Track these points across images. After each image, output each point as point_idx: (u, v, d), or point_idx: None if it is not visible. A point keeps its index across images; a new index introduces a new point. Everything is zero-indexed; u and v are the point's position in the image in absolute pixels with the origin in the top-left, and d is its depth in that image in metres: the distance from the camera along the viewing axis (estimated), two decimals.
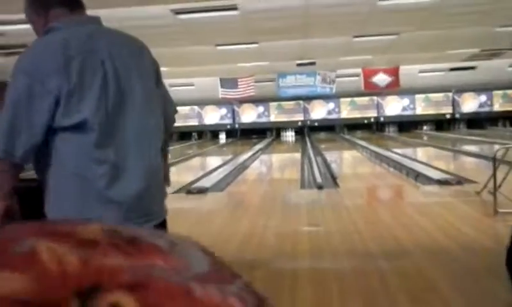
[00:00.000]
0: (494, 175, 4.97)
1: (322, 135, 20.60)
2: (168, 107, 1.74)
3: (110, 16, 9.23)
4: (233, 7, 8.27)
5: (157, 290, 0.31)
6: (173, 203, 6.96)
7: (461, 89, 20.05)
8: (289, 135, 21.00)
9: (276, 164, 12.90)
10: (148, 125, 1.55)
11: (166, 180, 1.86)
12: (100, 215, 1.43)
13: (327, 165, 9.76)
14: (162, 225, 1.66)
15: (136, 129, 1.51)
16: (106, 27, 1.63)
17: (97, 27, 1.61)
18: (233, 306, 0.36)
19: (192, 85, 18.90)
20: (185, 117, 21.34)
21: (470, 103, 20.42)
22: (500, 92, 20.09)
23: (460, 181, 6.71)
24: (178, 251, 0.40)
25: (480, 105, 20.37)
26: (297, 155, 12.58)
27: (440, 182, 6.70)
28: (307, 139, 17.76)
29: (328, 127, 21.06)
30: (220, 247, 4.16)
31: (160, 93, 1.67)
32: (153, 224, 1.57)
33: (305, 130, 20.52)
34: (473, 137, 15.57)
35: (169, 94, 1.78)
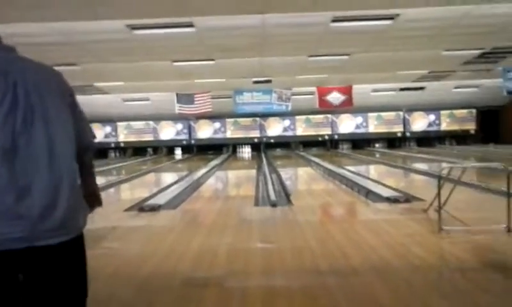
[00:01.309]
0: (439, 193, 5.16)
1: (278, 151, 20.82)
2: (83, 133, 1.80)
3: (65, 30, 9.05)
4: (189, 25, 8.30)
5: None
6: (125, 221, 6.84)
7: (411, 109, 20.80)
8: (245, 151, 21.10)
9: (232, 180, 12.90)
10: (58, 144, 1.59)
11: (97, 199, 1.96)
12: (8, 231, 1.47)
13: (281, 183, 9.86)
14: (78, 240, 1.67)
15: (45, 148, 1.56)
16: (19, 55, 1.68)
17: (9, 54, 1.65)
18: None
19: (148, 100, 18.71)
20: (140, 132, 21.08)
21: (419, 122, 21.21)
22: (447, 112, 20.98)
23: (408, 199, 6.93)
24: None
25: (429, 124, 21.20)
26: (253, 172, 12.64)
27: (389, 200, 6.90)
28: (263, 156, 17.88)
29: (284, 144, 21.33)
30: (172, 265, 4.12)
31: (73, 117, 1.71)
32: (66, 239, 1.60)
33: (261, 147, 20.69)
34: (422, 155, 16.14)
35: (86, 120, 1.84)
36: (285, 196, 7.99)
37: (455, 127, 21.06)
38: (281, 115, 20.13)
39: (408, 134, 21.23)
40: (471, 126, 21.06)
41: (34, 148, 1.54)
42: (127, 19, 7.88)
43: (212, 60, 11.53)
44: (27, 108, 1.53)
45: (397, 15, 8.25)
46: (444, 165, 6.48)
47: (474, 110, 20.90)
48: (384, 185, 8.63)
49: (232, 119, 20.76)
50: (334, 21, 8.44)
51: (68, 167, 1.63)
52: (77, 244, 1.68)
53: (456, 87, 18.47)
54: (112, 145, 21.15)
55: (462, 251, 4.29)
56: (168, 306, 3.21)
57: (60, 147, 1.60)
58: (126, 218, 6.47)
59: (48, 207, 1.54)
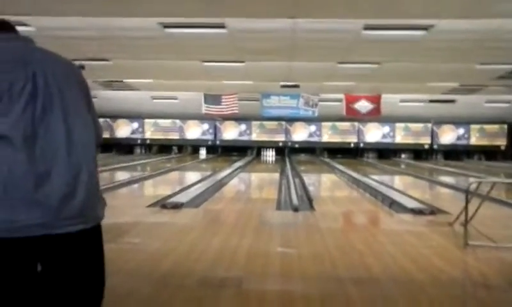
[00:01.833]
0: (466, 208, 5.05)
1: (302, 156, 20.73)
2: (97, 126, 1.82)
3: (99, 25, 9.24)
4: (221, 26, 8.34)
5: None
6: (147, 217, 6.91)
7: (440, 121, 20.45)
8: (269, 155, 21.08)
9: (255, 182, 12.90)
10: (77, 133, 1.62)
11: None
12: (26, 217, 1.48)
13: (304, 188, 9.80)
14: (96, 230, 1.69)
15: (64, 137, 1.58)
16: (37, 46, 1.71)
17: (28, 45, 1.69)
18: None
19: (176, 98, 18.88)
20: (166, 130, 21.28)
21: (447, 135, 20.82)
22: (477, 126, 20.55)
23: (433, 211, 6.80)
24: None
25: (458, 138, 20.79)
26: (276, 175, 12.61)
27: (414, 211, 6.78)
28: (287, 160, 17.83)
29: (309, 149, 21.23)
30: (191, 263, 4.13)
31: (90, 110, 1.75)
32: (85, 227, 1.61)
33: (286, 151, 20.63)
34: (449, 168, 15.84)
35: (97, 115, 1.86)
36: (308, 201, 7.94)
37: (485, 142, 20.60)
38: (308, 120, 20.05)
39: (435, 146, 20.87)
40: (501, 142, 20.57)
41: (53, 136, 1.56)
42: (159, 17, 7.97)
43: (242, 62, 11.56)
44: (46, 97, 1.56)
45: (432, 25, 8.11)
46: (472, 179, 6.35)
47: (505, 126, 20.42)
48: (409, 196, 8.49)
49: (258, 122, 20.77)
50: (366, 29, 8.36)
51: (88, 156, 1.64)
52: (96, 234, 1.69)
53: (487, 102, 18.08)
54: (139, 141, 21.41)
55: (488, 268, 4.18)
56: (186, 304, 3.22)
57: (79, 136, 1.62)
58: (148, 214, 6.54)
59: (67, 195, 1.55)
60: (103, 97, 17.92)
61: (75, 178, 1.58)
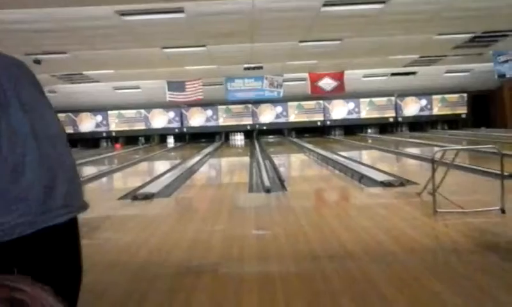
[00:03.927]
0: (433, 176, 5.16)
1: (270, 138, 20.79)
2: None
3: (53, 16, 8.90)
4: (179, 10, 8.19)
5: None
6: (119, 210, 6.78)
7: (403, 94, 20.81)
8: (238, 139, 21.04)
9: (225, 168, 12.87)
10: (42, 126, 1.57)
11: None
12: (8, 213, 1.43)
13: (275, 169, 9.84)
14: (75, 220, 1.65)
15: (29, 130, 1.52)
16: None
17: None
18: None
19: (139, 88, 18.55)
20: (131, 121, 20.93)
21: (411, 107, 21.23)
22: (439, 96, 21.02)
23: (402, 182, 6.94)
24: None
25: (421, 109, 21.22)
26: (246, 159, 12.61)
27: (384, 184, 6.90)
28: (256, 143, 17.84)
29: (276, 131, 21.30)
30: (166, 253, 4.09)
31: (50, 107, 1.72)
32: (72, 217, 1.57)
33: (254, 134, 20.63)
34: (414, 140, 16.19)
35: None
36: (279, 182, 7.97)
37: (447, 111, 21.12)
38: (274, 102, 20.07)
39: (399, 119, 21.25)
40: (462, 111, 21.12)
41: (15, 130, 1.50)
42: (116, 5, 7.76)
43: (203, 46, 11.42)
44: (1, 95, 1.50)
45: None
46: (437, 149, 6.50)
47: (465, 95, 20.96)
48: (377, 169, 8.63)
49: (224, 107, 20.66)
50: (325, 5, 8.37)
51: (59, 147, 1.60)
52: (76, 223, 1.65)
53: (447, 72, 18.48)
54: (104, 134, 20.99)
55: (457, 233, 4.30)
56: (163, 294, 3.19)
57: (44, 128, 1.57)
58: (120, 207, 6.43)
59: (46, 187, 1.51)
60: (63, 91, 17.41)
61: (50, 170, 1.53)
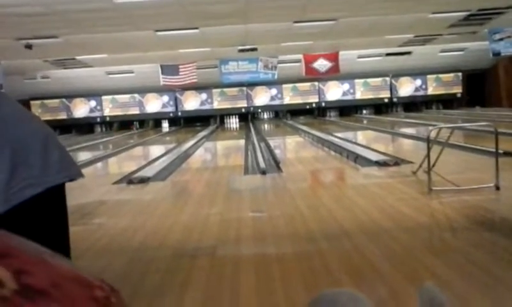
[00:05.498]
0: (428, 155, 5.17)
1: (265, 120, 20.75)
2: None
3: (42, 1, 8.75)
4: None
5: (19, 258, 0.36)
6: (114, 194, 6.77)
7: (398, 74, 20.75)
8: (233, 122, 20.98)
9: (220, 151, 12.84)
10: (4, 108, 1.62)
11: None
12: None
13: (270, 151, 9.82)
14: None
15: None
16: None
17: None
18: (81, 277, 0.43)
19: (132, 72, 18.41)
20: (125, 106, 20.81)
21: (406, 88, 21.18)
22: (433, 76, 20.97)
23: (397, 162, 6.95)
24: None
25: (416, 89, 21.18)
26: (242, 142, 12.58)
27: (379, 164, 6.91)
28: (251, 125, 17.80)
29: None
30: (162, 237, 4.09)
31: None
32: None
33: (249, 117, 20.58)
34: (409, 120, 16.19)
35: None
36: (275, 163, 7.97)
37: (441, 91, 21.08)
38: (268, 84, 19.97)
39: (394, 100, 21.22)
40: (457, 90, 21.10)
41: None
42: None
43: (196, 28, 11.31)
44: None
45: None
46: (431, 128, 6.51)
47: (460, 74, 20.92)
48: (373, 149, 8.64)
49: (219, 90, 20.55)
50: None
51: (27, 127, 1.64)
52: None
53: (441, 51, 18.42)
54: (98, 120, 20.87)
55: (452, 210, 4.32)
56: (161, 276, 3.19)
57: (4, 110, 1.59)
58: (115, 191, 6.41)
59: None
60: (56, 77, 17.26)
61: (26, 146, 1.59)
